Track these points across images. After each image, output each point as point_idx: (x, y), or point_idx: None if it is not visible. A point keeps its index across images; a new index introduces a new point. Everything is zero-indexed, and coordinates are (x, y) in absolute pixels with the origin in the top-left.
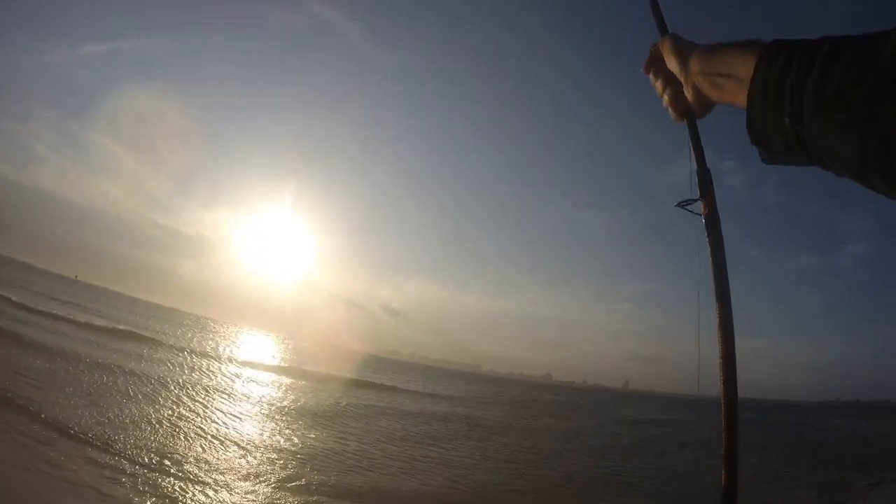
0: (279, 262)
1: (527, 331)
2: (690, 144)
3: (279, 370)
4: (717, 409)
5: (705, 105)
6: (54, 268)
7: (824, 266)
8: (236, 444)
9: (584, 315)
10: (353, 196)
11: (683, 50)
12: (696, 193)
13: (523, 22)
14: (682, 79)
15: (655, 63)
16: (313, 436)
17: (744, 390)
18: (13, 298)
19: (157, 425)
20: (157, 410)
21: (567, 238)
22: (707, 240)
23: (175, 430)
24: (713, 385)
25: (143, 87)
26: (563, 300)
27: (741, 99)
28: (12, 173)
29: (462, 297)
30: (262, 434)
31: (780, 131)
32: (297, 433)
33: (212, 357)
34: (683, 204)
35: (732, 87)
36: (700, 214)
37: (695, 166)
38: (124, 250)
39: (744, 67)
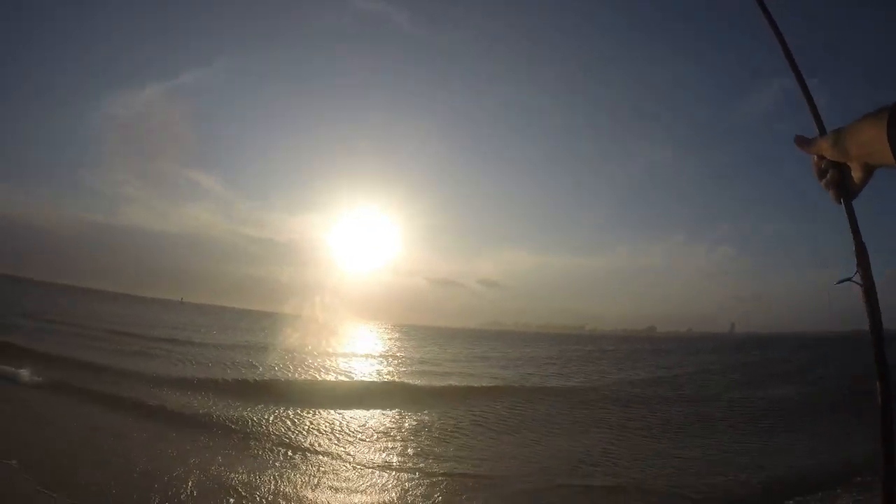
0: (372, 254)
1: (625, 284)
2: (849, 224)
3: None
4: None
5: (865, 180)
6: (161, 294)
7: None
8: None
9: (681, 261)
10: (431, 181)
11: (839, 140)
12: (853, 269)
13: None
14: (847, 163)
15: (817, 158)
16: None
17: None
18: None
19: None
20: None
21: (651, 185)
22: (866, 309)
23: None
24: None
25: (207, 115)
26: (658, 248)
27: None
28: (104, 219)
29: (553, 259)
30: None
31: None
32: None
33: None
34: (843, 281)
35: (881, 151)
36: (860, 285)
37: (853, 246)
38: (225, 268)
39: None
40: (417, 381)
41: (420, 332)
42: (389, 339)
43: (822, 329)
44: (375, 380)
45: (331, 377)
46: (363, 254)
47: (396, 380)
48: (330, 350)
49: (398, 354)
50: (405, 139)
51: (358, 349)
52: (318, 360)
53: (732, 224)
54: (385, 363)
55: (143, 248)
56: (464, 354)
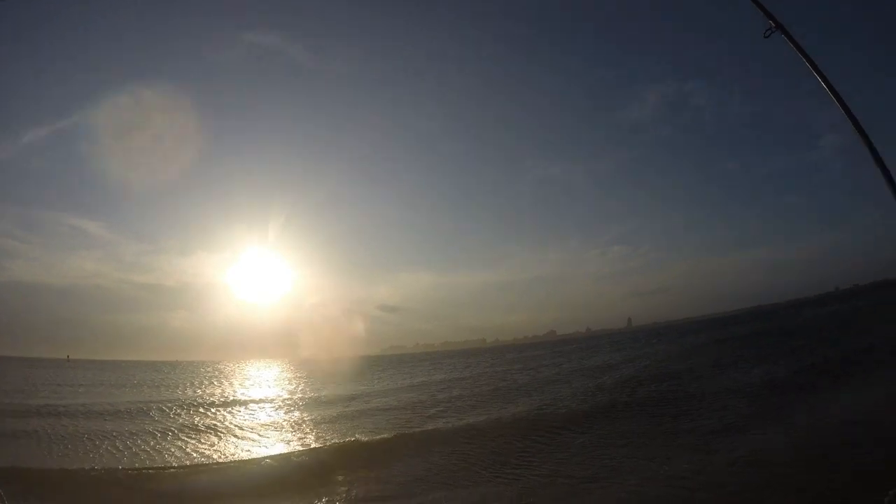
0: (269, 291)
1: (523, 296)
2: None
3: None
4: None
5: None
6: (47, 353)
7: (802, 164)
8: None
9: (577, 266)
10: (326, 212)
11: None
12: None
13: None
14: None
15: None
16: None
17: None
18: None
19: None
20: None
21: (544, 197)
22: None
23: None
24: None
25: (89, 157)
26: (553, 257)
27: None
28: None
29: (452, 278)
30: None
31: None
32: None
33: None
34: None
35: None
36: None
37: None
38: (112, 318)
39: None
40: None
41: (321, 366)
42: (287, 380)
43: (712, 312)
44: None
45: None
46: (260, 292)
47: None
48: (218, 402)
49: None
50: (301, 173)
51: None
52: (205, 419)
53: (623, 225)
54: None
55: (27, 304)
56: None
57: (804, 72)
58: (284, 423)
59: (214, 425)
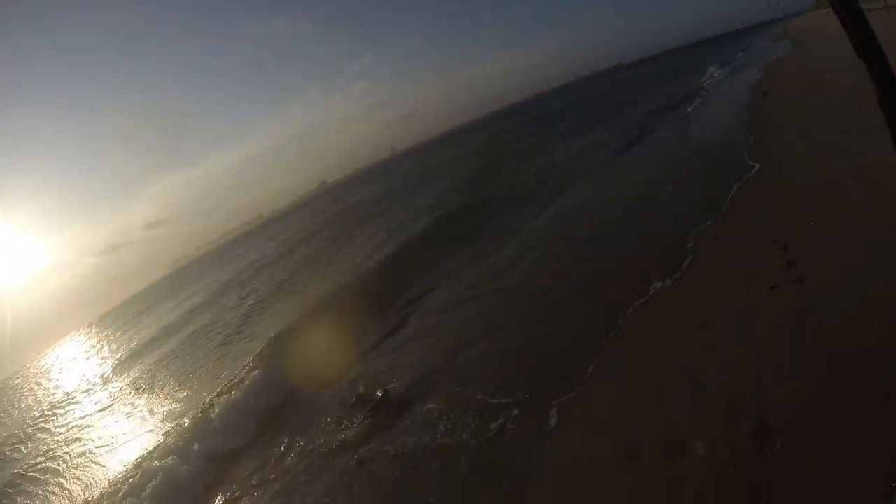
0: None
1: (283, 159)
2: None
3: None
4: None
5: None
6: None
7: None
8: None
9: (325, 113)
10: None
11: None
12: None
13: None
14: None
15: None
16: None
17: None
18: None
19: None
20: None
21: (268, 55)
22: None
23: None
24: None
25: None
26: (298, 113)
27: None
28: None
29: (205, 167)
30: None
31: None
32: None
33: None
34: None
35: None
36: None
37: None
38: None
39: None
40: None
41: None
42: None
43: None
44: None
45: None
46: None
47: None
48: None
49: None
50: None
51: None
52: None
53: (359, 62)
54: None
55: None
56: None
57: None
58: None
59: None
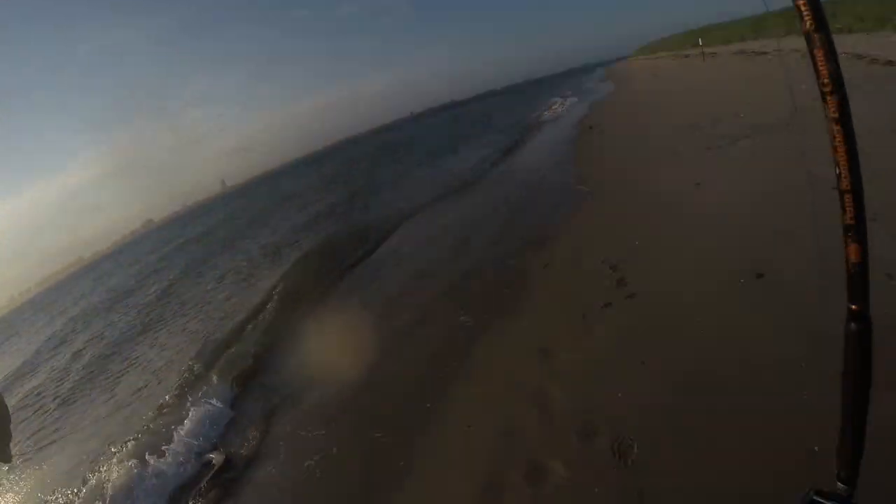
0: None
1: (104, 195)
2: None
3: None
4: None
5: None
6: None
7: (370, 8)
8: None
9: (149, 144)
10: None
11: None
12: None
13: None
14: None
15: None
16: None
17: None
18: None
19: None
20: None
21: (100, 71)
22: None
23: None
24: None
25: None
26: (120, 143)
27: None
28: None
29: (13, 204)
30: None
31: None
32: None
33: None
34: None
35: None
36: None
37: None
38: None
39: None
40: None
41: None
42: None
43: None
44: None
45: None
46: None
47: None
48: None
49: None
50: None
51: None
52: None
53: (193, 87)
54: None
55: None
56: None
57: None
58: None
59: None
